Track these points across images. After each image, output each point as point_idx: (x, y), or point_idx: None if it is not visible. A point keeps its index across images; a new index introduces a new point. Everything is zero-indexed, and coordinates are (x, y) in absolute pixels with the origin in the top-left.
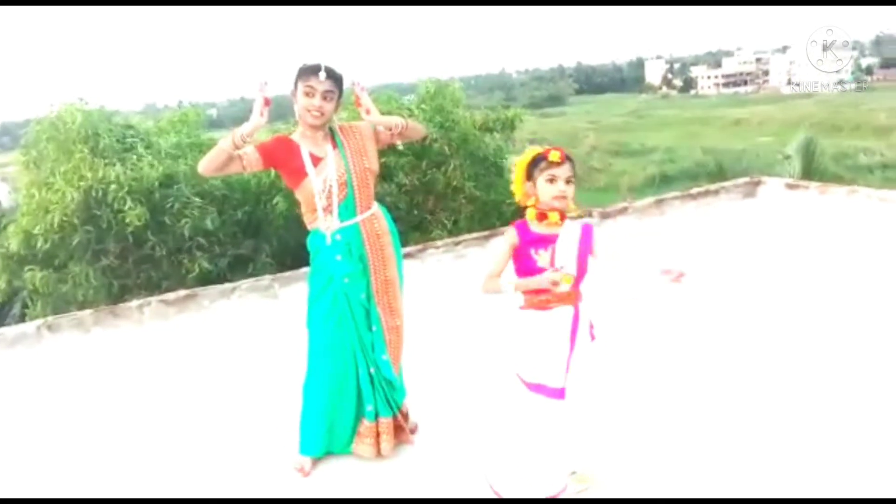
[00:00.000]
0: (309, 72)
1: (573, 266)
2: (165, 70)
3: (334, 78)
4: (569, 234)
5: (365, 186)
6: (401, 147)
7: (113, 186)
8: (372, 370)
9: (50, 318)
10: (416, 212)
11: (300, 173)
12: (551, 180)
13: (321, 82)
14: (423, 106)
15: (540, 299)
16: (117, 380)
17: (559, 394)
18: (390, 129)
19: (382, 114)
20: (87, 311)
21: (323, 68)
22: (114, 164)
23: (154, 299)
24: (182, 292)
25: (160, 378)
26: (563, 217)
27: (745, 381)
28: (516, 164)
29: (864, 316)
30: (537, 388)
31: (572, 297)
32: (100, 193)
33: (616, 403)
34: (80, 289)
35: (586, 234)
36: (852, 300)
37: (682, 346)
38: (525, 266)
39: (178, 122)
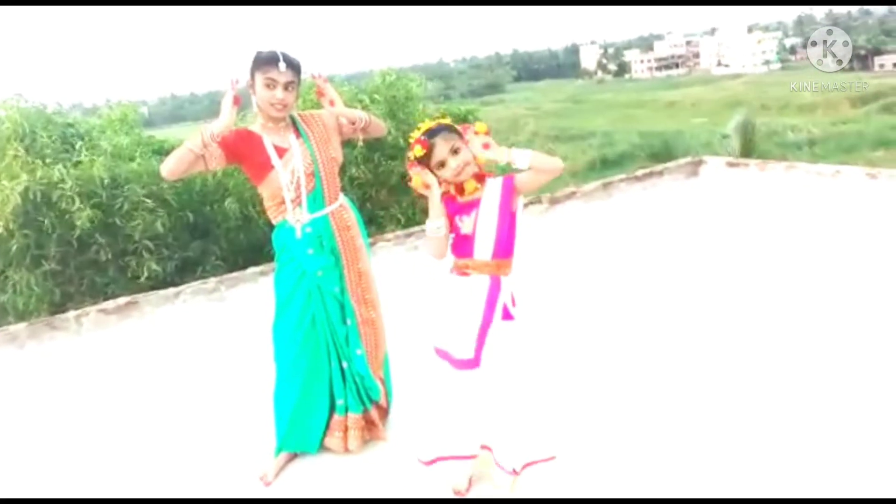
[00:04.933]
0: (267, 62)
1: (494, 226)
2: (92, 68)
3: (294, 67)
4: (490, 195)
5: (332, 177)
6: (360, 142)
7: (59, 186)
8: (344, 364)
9: None
10: (368, 205)
11: (265, 167)
12: (441, 164)
13: (282, 73)
14: (375, 96)
15: (459, 265)
16: (56, 396)
17: (462, 365)
18: (353, 123)
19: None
20: (22, 325)
21: (282, 58)
22: (55, 164)
23: (93, 309)
24: (122, 300)
25: (102, 390)
26: (481, 178)
27: (707, 365)
28: None
29: (820, 288)
30: (443, 355)
31: (490, 267)
32: (38, 195)
33: (578, 395)
34: (20, 297)
35: (506, 189)
36: (802, 273)
37: (645, 330)
38: (455, 233)
39: (117, 120)
